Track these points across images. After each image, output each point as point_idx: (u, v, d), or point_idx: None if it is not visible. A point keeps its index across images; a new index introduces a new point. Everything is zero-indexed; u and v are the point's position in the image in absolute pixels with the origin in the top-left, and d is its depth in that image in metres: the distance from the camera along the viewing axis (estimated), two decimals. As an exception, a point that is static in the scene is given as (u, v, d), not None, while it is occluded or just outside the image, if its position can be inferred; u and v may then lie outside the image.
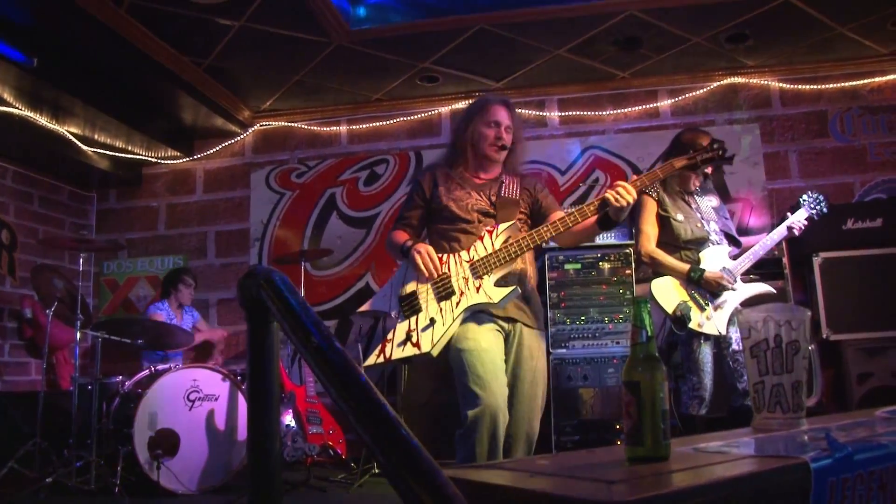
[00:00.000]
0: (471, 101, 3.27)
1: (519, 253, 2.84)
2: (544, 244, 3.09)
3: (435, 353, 2.76)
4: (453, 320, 2.80)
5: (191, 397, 4.57)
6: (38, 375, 5.98)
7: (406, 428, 1.12)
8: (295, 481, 4.48)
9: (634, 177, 2.88)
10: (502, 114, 3.06)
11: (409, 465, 1.05)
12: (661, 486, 1.14)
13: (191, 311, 5.82)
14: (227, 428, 4.66)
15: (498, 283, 2.85)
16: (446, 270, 2.88)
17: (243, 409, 4.67)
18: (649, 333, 1.41)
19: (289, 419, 4.96)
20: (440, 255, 2.91)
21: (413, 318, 2.85)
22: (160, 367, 4.75)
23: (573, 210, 2.86)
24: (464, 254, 2.91)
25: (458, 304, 2.82)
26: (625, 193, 2.75)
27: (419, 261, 2.86)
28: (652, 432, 1.35)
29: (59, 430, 4.62)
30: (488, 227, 2.92)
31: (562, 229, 2.84)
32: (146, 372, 4.73)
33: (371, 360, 2.85)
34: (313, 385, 5.15)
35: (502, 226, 2.91)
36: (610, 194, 2.76)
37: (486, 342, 2.80)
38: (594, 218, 2.88)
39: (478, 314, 2.86)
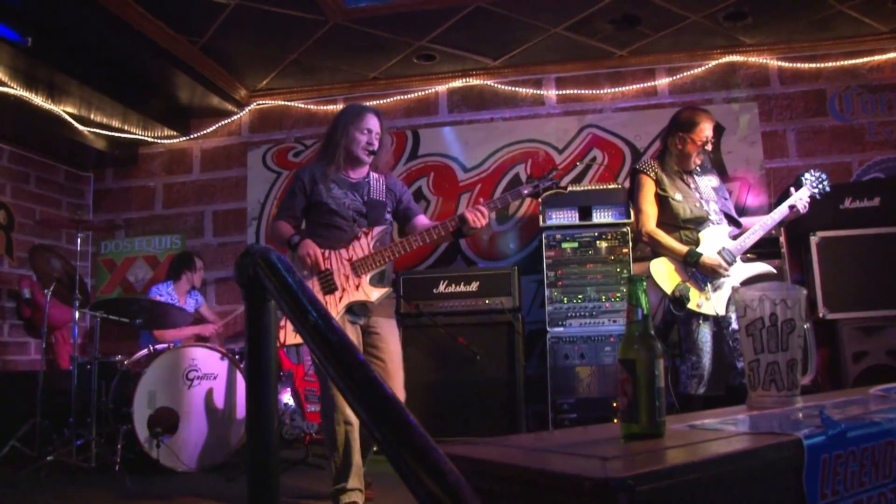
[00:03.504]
0: (343, 108, 3.67)
1: (392, 258, 3.31)
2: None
3: None
4: (337, 314, 3.17)
5: (189, 376, 4.59)
6: (38, 355, 5.99)
7: (403, 405, 1.13)
8: (293, 459, 4.50)
9: (483, 200, 3.43)
10: (374, 122, 3.45)
11: (406, 442, 1.06)
12: (655, 463, 1.15)
13: (196, 294, 5.81)
14: (225, 406, 4.68)
15: (372, 280, 3.30)
16: (329, 266, 3.27)
17: (242, 388, 4.69)
18: (645, 312, 1.42)
19: (287, 397, 4.99)
20: (323, 252, 3.28)
21: None
22: (159, 346, 4.76)
23: (437, 224, 3.33)
24: (343, 252, 3.30)
25: (340, 298, 3.23)
26: (481, 217, 3.25)
27: (308, 261, 3.23)
28: (647, 410, 1.36)
29: (58, 409, 4.65)
30: (364, 229, 3.35)
31: (427, 241, 3.32)
32: (145, 351, 4.74)
33: None
34: (311, 363, 5.16)
35: (377, 229, 3.37)
36: (469, 215, 3.23)
37: None
38: (451, 230, 3.32)
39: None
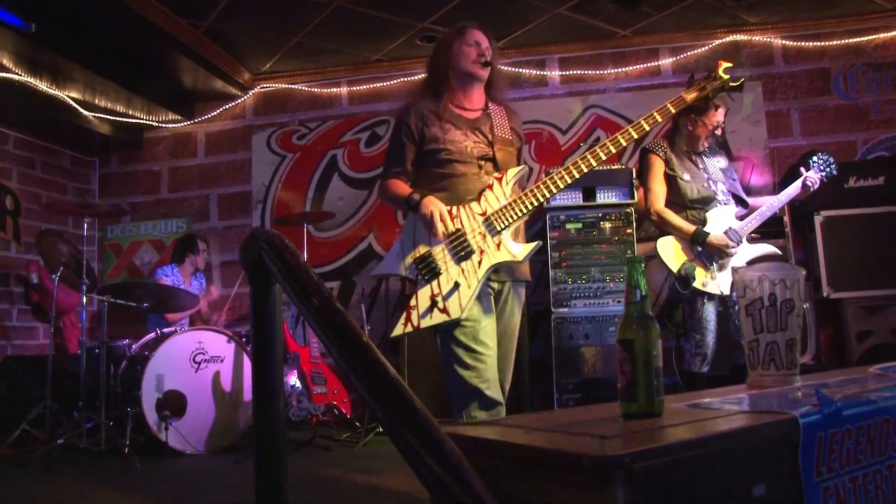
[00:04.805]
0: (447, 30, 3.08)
1: (536, 204, 2.67)
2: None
3: (465, 317, 2.62)
4: (478, 282, 2.62)
5: (196, 359, 4.63)
6: (46, 339, 6.04)
7: (406, 386, 1.15)
8: (300, 441, 4.54)
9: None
10: (480, 35, 2.87)
11: (408, 422, 1.08)
12: (652, 441, 1.17)
13: (200, 277, 5.84)
14: (232, 389, 4.73)
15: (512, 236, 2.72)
16: (459, 226, 2.66)
17: (249, 370, 4.72)
18: (643, 293, 1.44)
19: (293, 379, 5.03)
20: (449, 209, 2.67)
21: (434, 283, 2.64)
22: (166, 329, 4.80)
23: (595, 148, 2.69)
24: (475, 205, 2.68)
25: (480, 263, 2.63)
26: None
27: (432, 220, 2.64)
28: (645, 389, 1.38)
29: (68, 393, 4.69)
30: (496, 174, 2.73)
31: (577, 174, 2.68)
32: (152, 335, 4.78)
33: (398, 331, 2.68)
34: (317, 346, 5.20)
35: (511, 172, 2.73)
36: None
37: (478, 311, 2.68)
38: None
39: None
